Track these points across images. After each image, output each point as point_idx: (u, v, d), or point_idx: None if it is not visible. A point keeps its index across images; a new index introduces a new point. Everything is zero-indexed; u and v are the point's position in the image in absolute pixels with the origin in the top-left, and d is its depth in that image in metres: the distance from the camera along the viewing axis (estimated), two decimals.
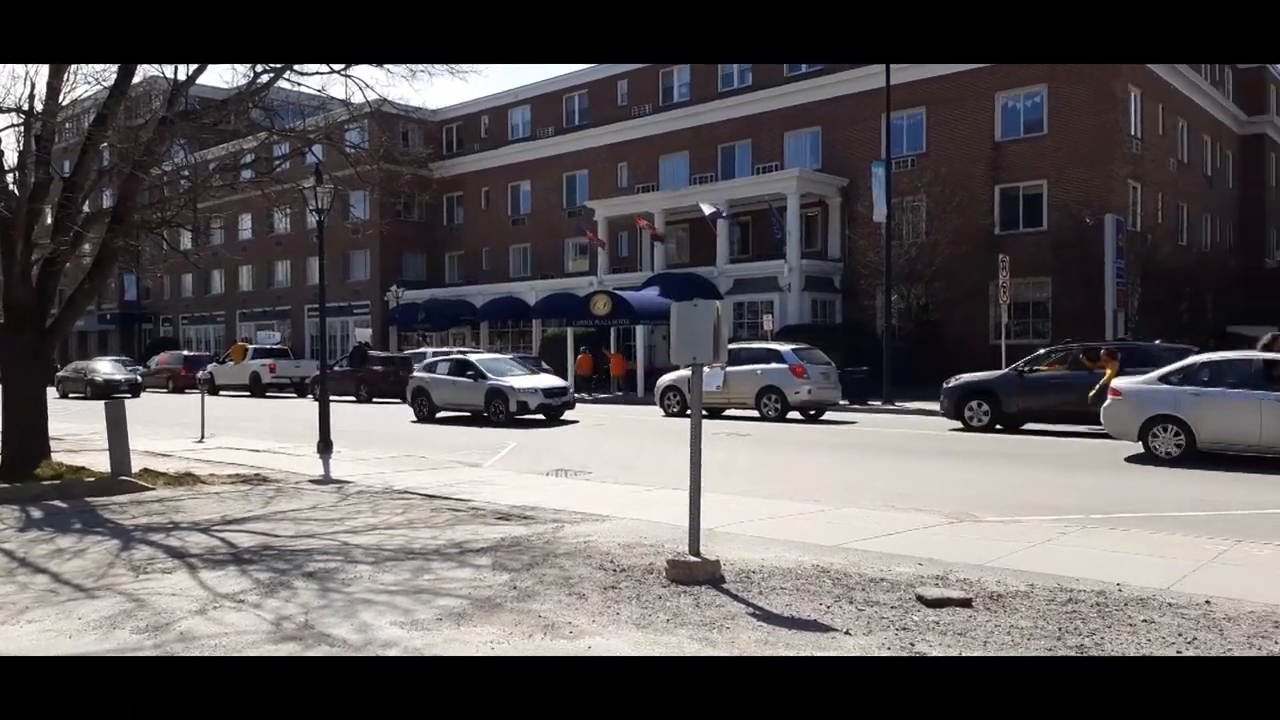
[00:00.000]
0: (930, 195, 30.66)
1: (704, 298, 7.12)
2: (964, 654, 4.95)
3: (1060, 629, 5.39)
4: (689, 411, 23.69)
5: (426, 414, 22.78)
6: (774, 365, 21.59)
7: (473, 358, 23.52)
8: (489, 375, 22.12)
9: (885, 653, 4.97)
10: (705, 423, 20.81)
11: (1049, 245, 29.78)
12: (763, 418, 21.44)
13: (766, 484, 11.76)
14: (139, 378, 37.54)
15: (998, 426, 18.13)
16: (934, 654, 4.95)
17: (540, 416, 21.55)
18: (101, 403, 12.96)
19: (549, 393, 21.69)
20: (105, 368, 37.99)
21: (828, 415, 22.52)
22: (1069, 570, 6.77)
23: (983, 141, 31.77)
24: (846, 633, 5.33)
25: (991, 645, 5.11)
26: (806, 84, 35.83)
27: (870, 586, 6.37)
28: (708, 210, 32.88)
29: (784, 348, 22.27)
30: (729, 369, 21.16)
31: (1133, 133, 31.03)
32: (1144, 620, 5.55)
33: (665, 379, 24.09)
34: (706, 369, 25.81)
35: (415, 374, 24.04)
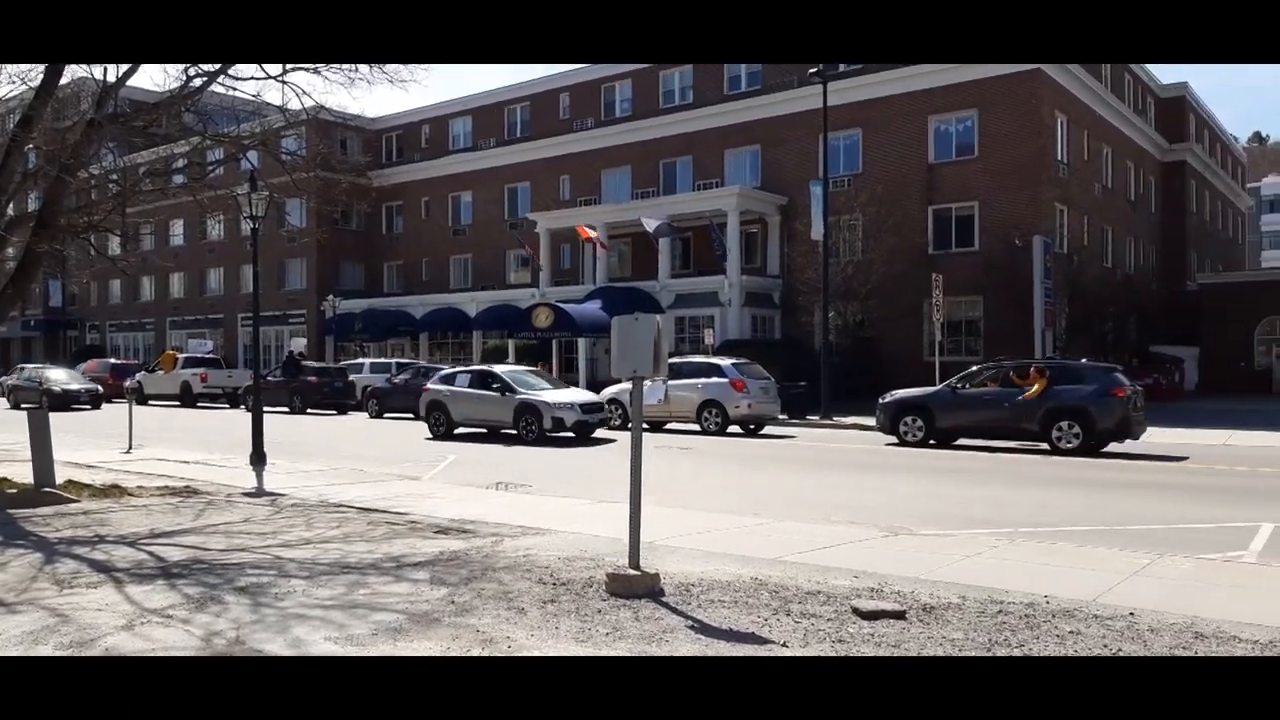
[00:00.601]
0: (866, 215, 31.26)
1: (646, 312, 7.18)
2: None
3: (990, 640, 5.52)
4: (630, 424, 23.54)
5: (444, 430, 20.98)
6: (715, 380, 21.77)
7: (498, 370, 21.64)
8: (518, 389, 20.31)
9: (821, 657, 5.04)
10: (648, 436, 20.78)
11: (981, 265, 30.54)
12: (704, 431, 21.58)
13: (708, 498, 11.83)
14: (100, 388, 34.30)
15: (931, 441, 18.49)
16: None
17: (570, 434, 19.76)
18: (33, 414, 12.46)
19: (586, 408, 20.10)
20: (60, 376, 34.86)
21: (767, 429, 22.73)
22: (1000, 582, 6.94)
23: (917, 163, 32.49)
24: (783, 645, 5.40)
25: (925, 656, 5.21)
26: (746, 103, 36.29)
27: (807, 599, 6.45)
28: (652, 226, 33.04)
29: (724, 362, 22.47)
30: (670, 383, 21.38)
31: (1059, 158, 32.04)
32: (1071, 631, 5.71)
33: (607, 392, 24.06)
34: (648, 383, 25.83)
35: (431, 386, 22.06)
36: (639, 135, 39.18)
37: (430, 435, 21.01)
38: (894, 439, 19.04)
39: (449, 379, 22.00)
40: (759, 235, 36.02)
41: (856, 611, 6.06)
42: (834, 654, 5.22)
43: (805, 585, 6.85)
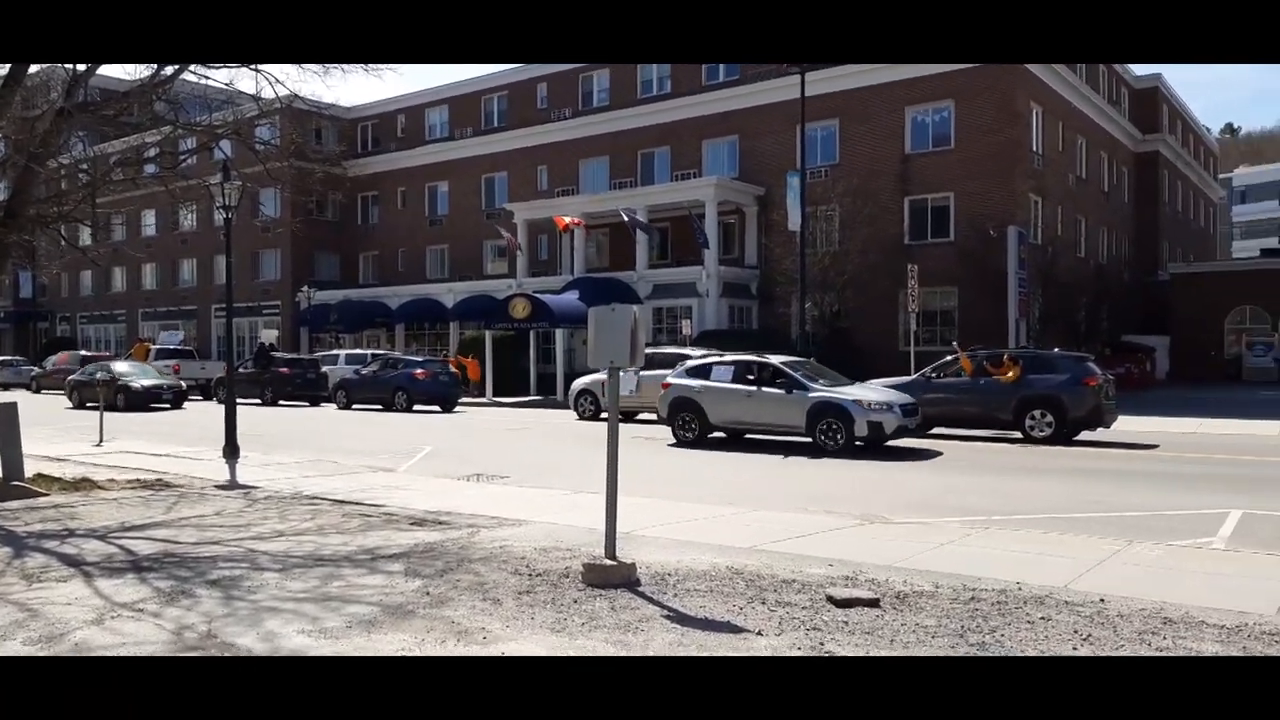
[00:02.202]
0: (843, 205, 31.36)
1: (623, 302, 7.17)
2: (871, 653, 5.07)
3: (963, 627, 5.57)
4: (604, 415, 23.57)
5: (695, 434, 17.15)
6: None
7: (775, 360, 17.30)
8: (810, 385, 16.33)
9: (796, 652, 5.07)
10: (623, 426, 20.75)
11: (956, 255, 30.71)
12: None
13: (684, 487, 11.85)
14: (183, 385, 30.30)
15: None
16: (842, 653, 5.06)
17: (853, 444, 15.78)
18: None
19: (906, 410, 16.11)
20: (135, 370, 30.23)
21: None
22: (973, 570, 7.00)
23: (893, 154, 32.60)
24: (759, 633, 5.42)
25: (897, 644, 5.25)
26: (724, 93, 36.27)
27: (782, 587, 6.48)
28: (629, 218, 33.00)
29: (694, 353, 22.51)
30: (642, 374, 21.27)
31: (1034, 148, 32.25)
32: (1042, 618, 5.77)
33: (579, 382, 24.32)
34: (623, 373, 25.58)
35: (675, 380, 17.71)
36: (617, 125, 39.08)
37: (675, 441, 17.35)
38: None
39: (700, 371, 17.68)
40: (736, 226, 36.06)
41: (831, 600, 6.10)
42: (809, 641, 5.25)
43: (781, 574, 6.88)
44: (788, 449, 16.10)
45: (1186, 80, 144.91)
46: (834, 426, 15.74)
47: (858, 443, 15.55)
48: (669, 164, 37.85)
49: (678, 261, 35.96)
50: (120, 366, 30.72)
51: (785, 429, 16.48)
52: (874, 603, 6.05)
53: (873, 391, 16.74)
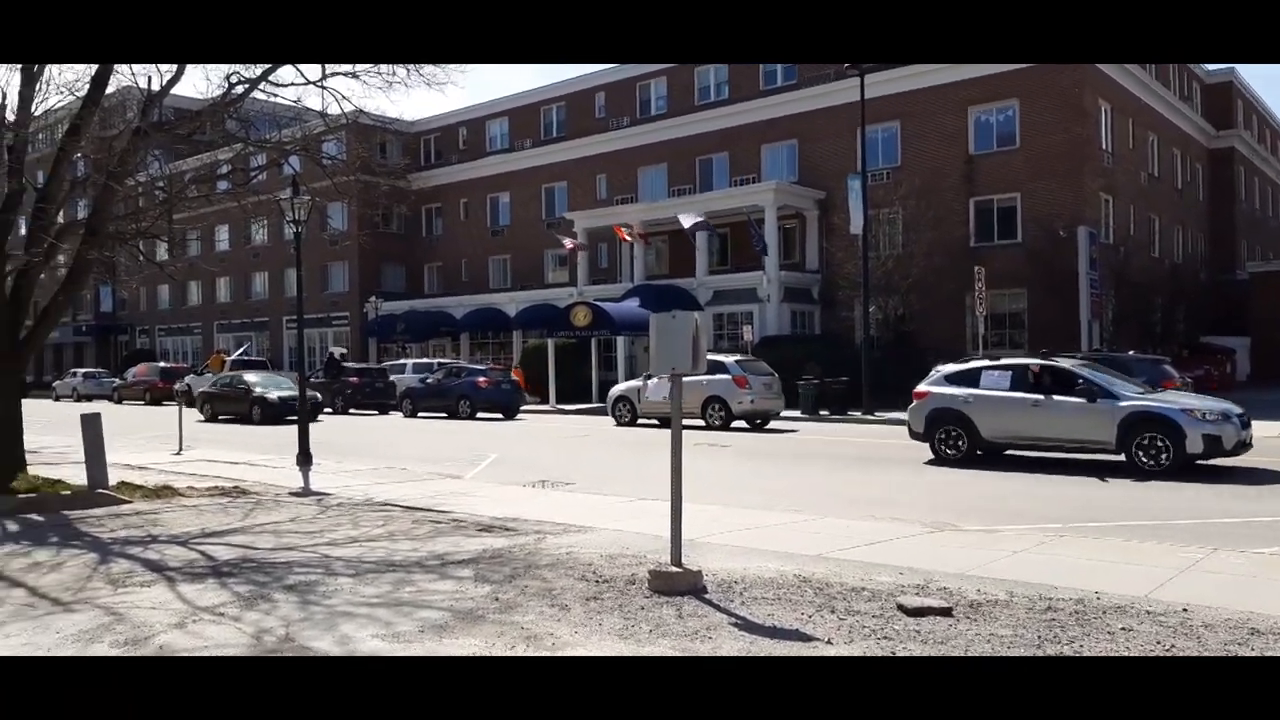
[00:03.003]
0: (906, 208, 30.94)
1: (684, 309, 7.18)
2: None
3: (1040, 637, 5.44)
4: (640, 420, 23.62)
5: (963, 451, 14.77)
6: (718, 376, 21.90)
7: (1066, 363, 14.95)
8: (1119, 391, 13.75)
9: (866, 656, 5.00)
10: (661, 433, 20.72)
11: (1023, 257, 30.09)
12: (708, 426, 21.96)
13: (746, 494, 11.79)
14: (319, 395, 28.51)
15: None
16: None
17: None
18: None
19: (1244, 421, 13.35)
20: (268, 381, 28.99)
21: (772, 424, 23.13)
22: (1048, 579, 6.83)
23: (957, 155, 32.09)
24: (828, 642, 5.36)
25: (972, 653, 5.15)
26: (782, 97, 36.09)
27: (851, 596, 6.40)
28: (688, 223, 33.00)
29: (728, 359, 22.74)
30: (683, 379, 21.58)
31: (1103, 146, 31.47)
32: (1122, 628, 5.62)
33: (616, 389, 25.12)
34: (654, 380, 25.65)
35: (935, 389, 15.37)
36: (675, 132, 39.13)
37: (933, 459, 15.08)
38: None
39: (966, 377, 15.24)
40: (797, 230, 35.81)
41: (902, 608, 6.01)
42: (880, 651, 5.18)
43: (849, 582, 6.80)
44: (841, 460, 15.88)
45: (1262, 75, 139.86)
46: (1153, 443, 12.99)
47: (1195, 460, 12.92)
48: (727, 170, 37.76)
49: (738, 268, 35.83)
50: (252, 377, 29.35)
51: (1087, 445, 13.90)
52: (946, 612, 5.94)
53: (1202, 400, 14.24)
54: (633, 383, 24.77)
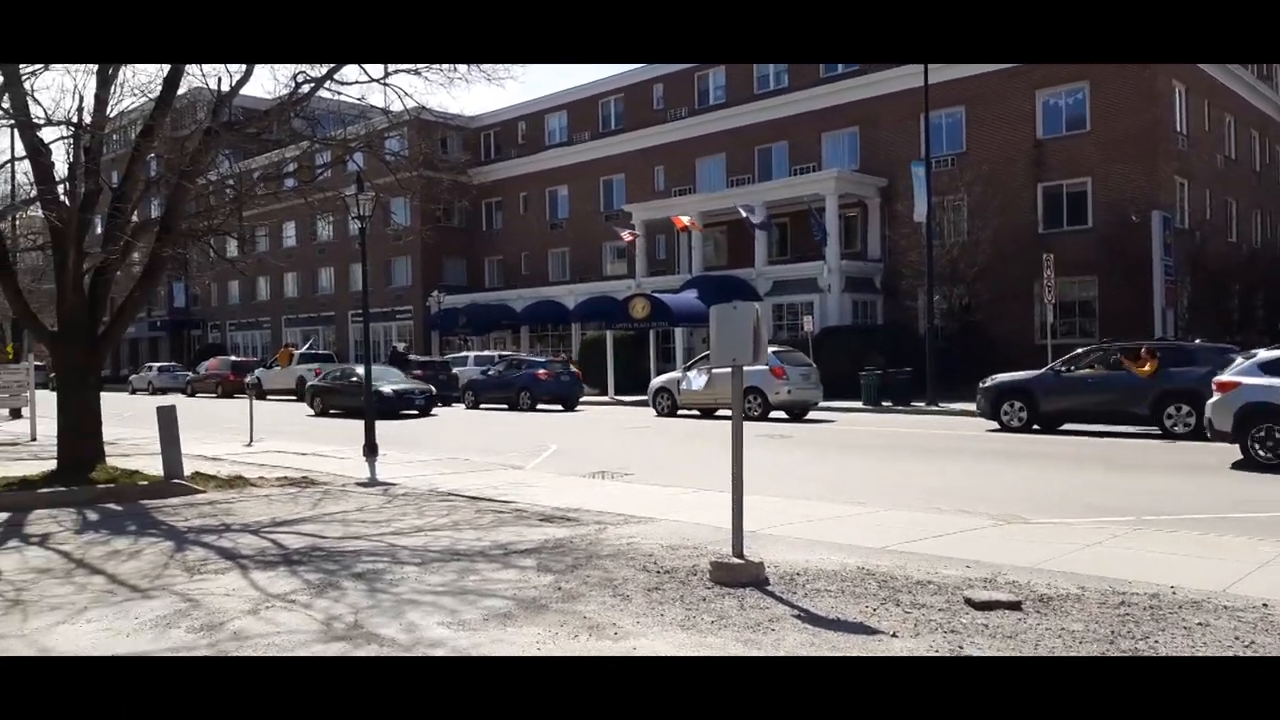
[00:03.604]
0: (971, 194, 30.35)
1: (743, 300, 7.13)
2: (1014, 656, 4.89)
3: (1113, 632, 5.30)
4: (680, 410, 23.77)
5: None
6: (756, 367, 21.71)
7: None
8: None
9: (933, 655, 4.93)
10: (705, 424, 20.79)
11: (1094, 243, 29.33)
12: (745, 417, 21.80)
13: (807, 485, 11.69)
14: (433, 389, 27.59)
15: (1035, 426, 18.06)
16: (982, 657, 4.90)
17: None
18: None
19: None
20: (381, 374, 25.82)
21: (811, 415, 23.23)
22: (1121, 573, 6.66)
23: (1024, 139, 31.37)
24: (893, 635, 5.29)
25: (1042, 648, 5.04)
26: (843, 84, 35.64)
27: (916, 589, 6.31)
28: (749, 217, 32.82)
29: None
30: (714, 370, 22.10)
31: (1178, 128, 30.49)
32: (1199, 623, 5.45)
33: (656, 381, 25.54)
34: (693, 371, 25.94)
35: (1247, 380, 12.98)
36: (733, 122, 38.92)
37: (1241, 461, 12.88)
38: (995, 424, 18.65)
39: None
40: (859, 219, 35.39)
41: (969, 602, 5.90)
42: (946, 645, 5.10)
43: (915, 575, 6.70)
44: (905, 451, 15.65)
45: None
46: None
47: None
48: (787, 159, 37.45)
49: (798, 257, 35.55)
50: (362, 370, 27.87)
51: None
52: (1015, 605, 5.82)
53: None
54: (672, 374, 25.24)
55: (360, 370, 26.31)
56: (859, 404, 25.82)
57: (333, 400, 27.36)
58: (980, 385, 19.36)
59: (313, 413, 27.55)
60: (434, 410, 26.92)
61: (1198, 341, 18.59)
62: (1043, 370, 18.82)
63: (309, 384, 29.14)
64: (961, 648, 5.04)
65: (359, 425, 17.10)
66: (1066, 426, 18.00)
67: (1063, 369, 18.20)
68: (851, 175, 34.25)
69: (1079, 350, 19.15)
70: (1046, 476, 12.43)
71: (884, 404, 25.34)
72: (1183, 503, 10.11)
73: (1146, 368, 16.65)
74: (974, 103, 32.20)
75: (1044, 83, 30.83)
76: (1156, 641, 5.12)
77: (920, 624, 5.49)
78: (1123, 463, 13.71)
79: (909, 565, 7.02)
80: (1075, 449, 15.43)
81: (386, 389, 25.12)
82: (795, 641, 5.19)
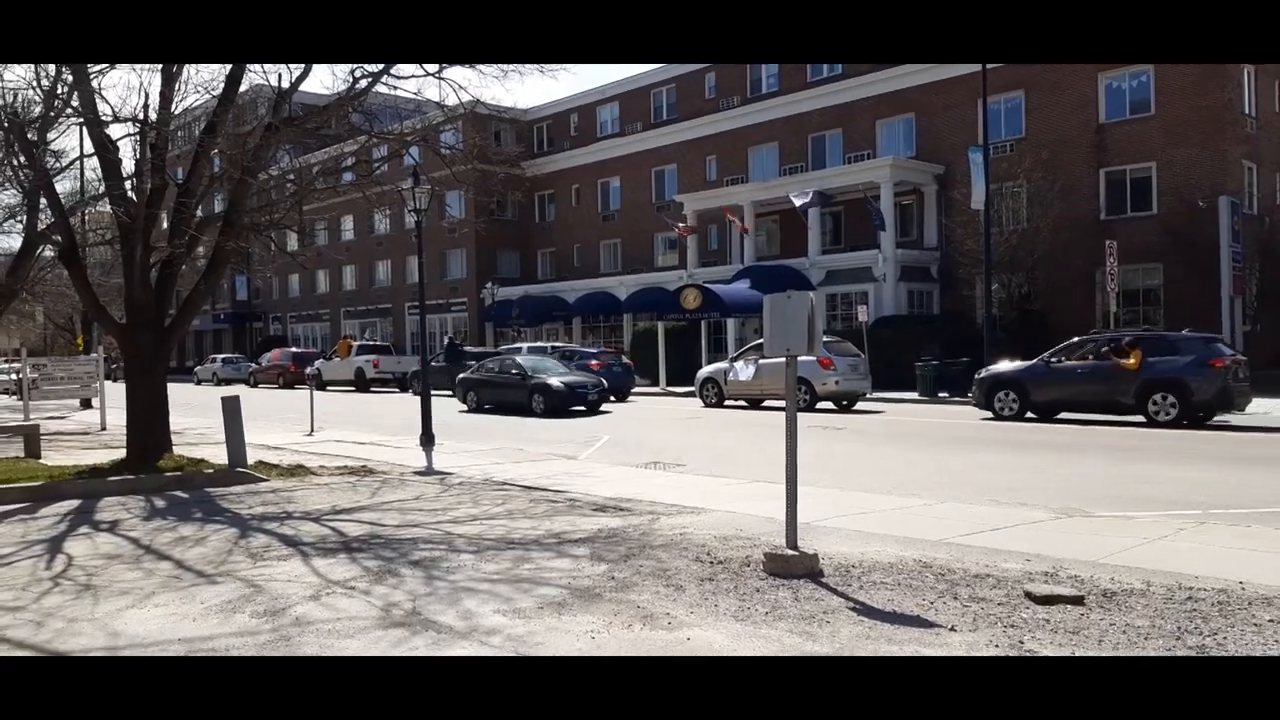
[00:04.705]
0: (1031, 180, 29.71)
1: (795, 290, 7.05)
2: (1077, 653, 4.80)
3: (1180, 628, 5.17)
4: (727, 401, 23.83)
5: None
6: (803, 357, 21.62)
7: None
8: None
9: (993, 650, 4.85)
10: (752, 414, 20.62)
11: (1159, 230, 28.54)
12: None
13: (861, 477, 11.59)
14: (604, 383, 24.21)
15: (1028, 415, 18.68)
16: (1045, 653, 4.81)
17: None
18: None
19: None
20: (545, 365, 24.25)
21: (859, 405, 23.32)
22: (1187, 567, 6.49)
23: (1085, 124, 30.61)
24: (951, 629, 5.22)
25: (1106, 644, 4.94)
26: (898, 70, 35.09)
27: (975, 582, 6.22)
28: (800, 202, 32.52)
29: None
30: (761, 361, 22.18)
31: (1247, 110, 29.48)
32: (1270, 620, 5.29)
33: (703, 372, 25.78)
34: (740, 362, 25.88)
35: None
36: (786, 110, 38.58)
37: None
38: (989, 414, 19.20)
39: None
40: (914, 207, 34.87)
41: (1030, 596, 5.80)
42: (1006, 639, 5.02)
43: (973, 568, 6.60)
44: (952, 443, 15.38)
45: None
46: None
47: None
48: (841, 147, 37.02)
49: (851, 246, 35.16)
50: (527, 360, 24.82)
51: None
52: (1078, 600, 5.70)
53: None
54: (719, 365, 25.29)
55: (523, 360, 24.62)
56: (913, 395, 25.50)
57: (489, 395, 24.21)
58: (975, 376, 20.10)
59: (465, 408, 24.65)
60: (604, 407, 23.52)
61: (1185, 332, 18.57)
62: (1034, 361, 19.27)
63: (459, 376, 25.83)
64: (1022, 643, 4.96)
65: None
66: (1061, 415, 18.61)
67: (1053, 360, 18.72)
68: (907, 162, 33.75)
69: (1073, 340, 19.49)
70: (1107, 468, 12.16)
71: (940, 395, 24.99)
72: (1251, 494, 9.81)
73: (1130, 361, 17.20)
74: (1034, 87, 31.49)
75: (1106, 65, 30.02)
76: (1225, 638, 4.99)
77: (979, 618, 5.41)
78: (1175, 454, 13.34)
79: (967, 558, 6.92)
80: (1133, 440, 15.09)
81: (554, 382, 22.38)
82: (851, 634, 5.15)
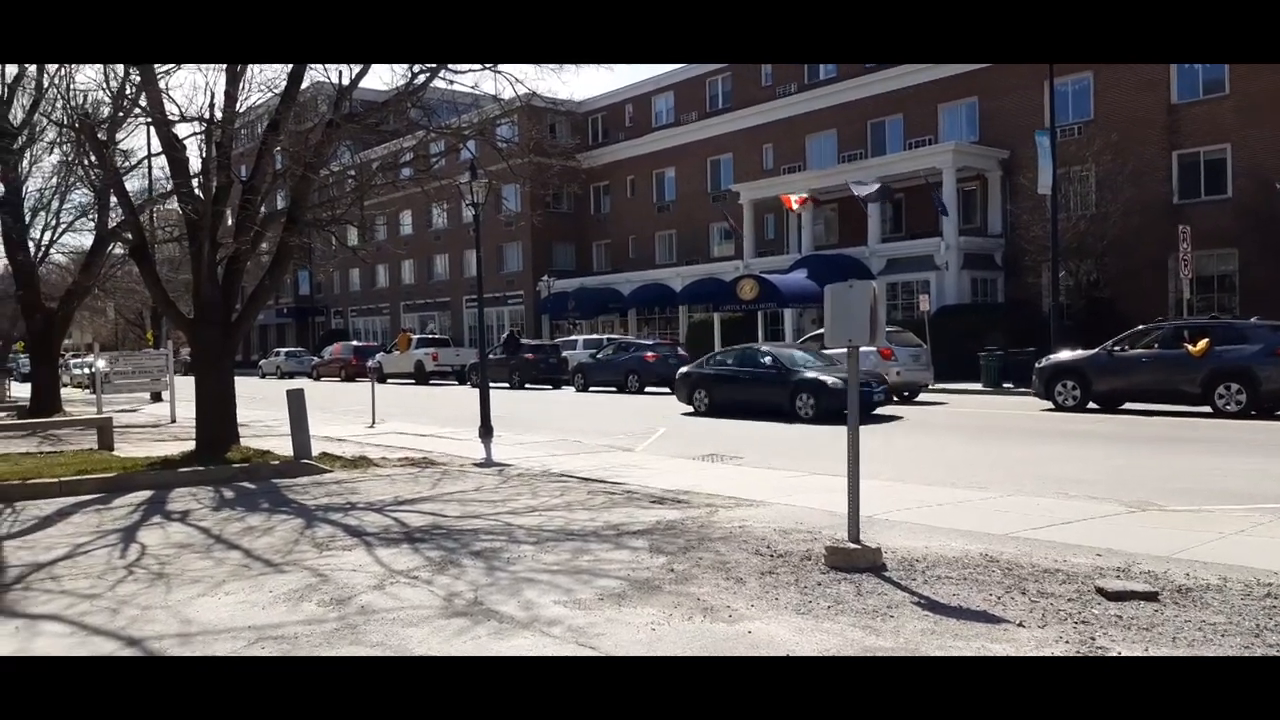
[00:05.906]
0: (1100, 164, 28.91)
1: (855, 279, 6.94)
2: (1151, 651, 4.65)
3: (1258, 625, 4.99)
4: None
5: None
6: (863, 348, 21.19)
7: None
8: None
9: (1063, 646, 4.73)
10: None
11: (1234, 214, 27.59)
12: None
13: (924, 469, 11.40)
14: (885, 380, 18.85)
15: (1090, 406, 18.20)
16: (1118, 650, 4.67)
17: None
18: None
19: None
20: (801, 359, 18.78)
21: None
22: (1266, 563, 6.26)
23: (1156, 105, 29.69)
24: (1019, 624, 5.10)
25: (1180, 642, 4.78)
26: None
27: (1044, 577, 6.07)
28: (860, 191, 32.07)
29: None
30: (822, 352, 21.57)
31: None
32: None
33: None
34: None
35: None
36: (845, 96, 38.08)
37: None
38: (1050, 404, 18.72)
39: None
40: (978, 193, 34.20)
41: (1101, 592, 5.64)
42: (1077, 636, 4.88)
43: (1041, 563, 6.45)
44: (1018, 435, 15.04)
45: None
46: None
47: None
48: (901, 133, 36.44)
49: (912, 234, 34.61)
50: (786, 354, 19.35)
51: None
52: (1151, 596, 5.53)
53: None
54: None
55: (780, 354, 19.42)
56: (976, 385, 25.04)
57: (730, 394, 19.39)
58: (1036, 365, 19.57)
59: (690, 410, 20.16)
60: (882, 409, 18.79)
61: (1254, 320, 18.02)
62: (1095, 350, 18.77)
63: (680, 371, 21.69)
64: (1094, 639, 4.82)
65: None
66: (1126, 406, 18.10)
67: (1115, 348, 18.25)
68: (970, 147, 33.09)
69: (1138, 328, 18.98)
70: (1164, 460, 11.80)
71: (1005, 386, 24.50)
72: None
73: (1198, 346, 16.70)
74: (1102, 68, 30.61)
75: None
76: None
77: (1048, 614, 5.28)
78: (1241, 443, 12.88)
79: (1035, 553, 6.76)
80: (1200, 431, 14.61)
81: (829, 380, 17.50)
82: (915, 629, 5.06)
